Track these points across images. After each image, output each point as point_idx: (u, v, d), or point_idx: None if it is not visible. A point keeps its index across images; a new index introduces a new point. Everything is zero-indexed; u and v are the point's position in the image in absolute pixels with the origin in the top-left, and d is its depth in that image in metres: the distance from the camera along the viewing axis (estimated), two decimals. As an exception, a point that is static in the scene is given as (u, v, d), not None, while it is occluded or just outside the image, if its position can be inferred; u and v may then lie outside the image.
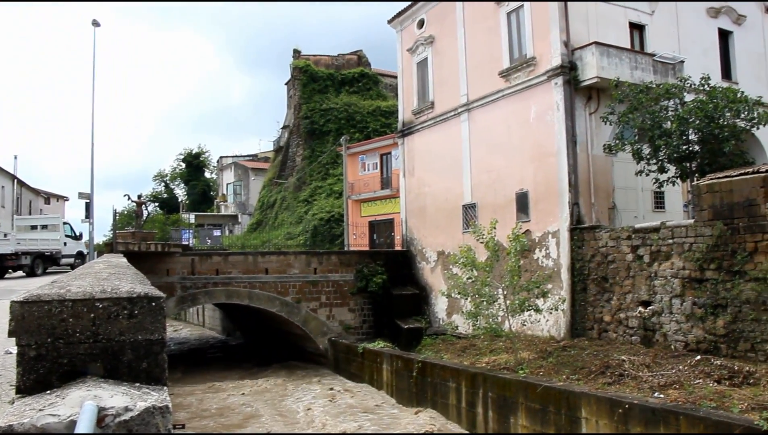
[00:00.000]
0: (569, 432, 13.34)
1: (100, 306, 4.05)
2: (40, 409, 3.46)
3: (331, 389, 21.65)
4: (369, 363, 22.07)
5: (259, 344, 32.14)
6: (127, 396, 3.57)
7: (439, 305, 25.20)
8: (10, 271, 33.82)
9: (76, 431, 2.71)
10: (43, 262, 34.61)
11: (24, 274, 33.76)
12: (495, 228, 17.53)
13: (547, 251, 20.19)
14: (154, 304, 4.10)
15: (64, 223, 38.99)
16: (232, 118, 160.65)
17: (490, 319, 17.45)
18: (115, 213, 37.10)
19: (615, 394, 12.81)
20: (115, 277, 6.06)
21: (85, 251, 37.49)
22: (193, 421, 18.74)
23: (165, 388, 3.94)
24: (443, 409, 17.39)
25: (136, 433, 3.40)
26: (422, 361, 18.93)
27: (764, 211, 13.91)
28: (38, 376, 4.03)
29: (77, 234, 39.65)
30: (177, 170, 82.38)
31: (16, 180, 56.95)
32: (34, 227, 39.25)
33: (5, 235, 34.05)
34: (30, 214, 62.78)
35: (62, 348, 4.03)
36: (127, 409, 3.41)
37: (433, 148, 26.62)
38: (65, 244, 37.42)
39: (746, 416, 10.43)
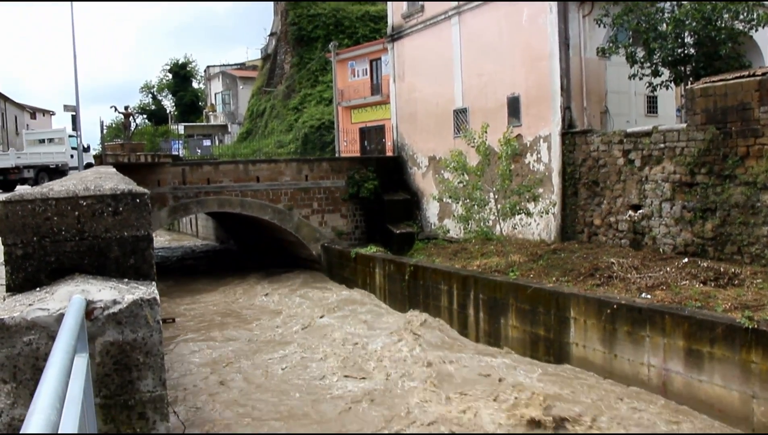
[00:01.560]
0: (558, 332, 13.67)
1: (84, 204, 4.01)
2: (30, 304, 3.47)
3: (323, 292, 22.12)
4: (362, 268, 22.35)
5: (253, 252, 32.44)
6: (115, 290, 3.58)
7: (431, 210, 25.31)
8: (18, 184, 33.70)
9: (64, 323, 2.70)
10: (48, 175, 34.39)
11: (29, 187, 33.66)
12: (486, 132, 17.40)
13: (539, 156, 20.12)
14: (138, 200, 4.06)
15: (71, 136, 38.55)
16: (218, 27, 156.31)
17: (482, 223, 17.57)
18: (102, 125, 36.62)
19: (603, 295, 13.05)
20: (100, 180, 6.00)
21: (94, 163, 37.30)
22: (185, 323, 19.13)
23: (153, 282, 3.95)
24: (435, 311, 17.73)
25: (126, 325, 3.43)
26: (414, 264, 19.18)
27: (758, 116, 13.79)
28: (27, 274, 4.03)
29: (86, 146, 39.29)
30: (164, 81, 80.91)
31: (0, 95, 55.91)
32: (42, 141, 38.85)
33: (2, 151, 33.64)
34: (16, 129, 61.95)
35: (49, 246, 4.02)
36: (115, 302, 3.42)
37: (423, 52, 26.07)
38: (72, 156, 37.08)
39: (729, 315, 10.66)
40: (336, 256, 24.68)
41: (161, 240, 42.55)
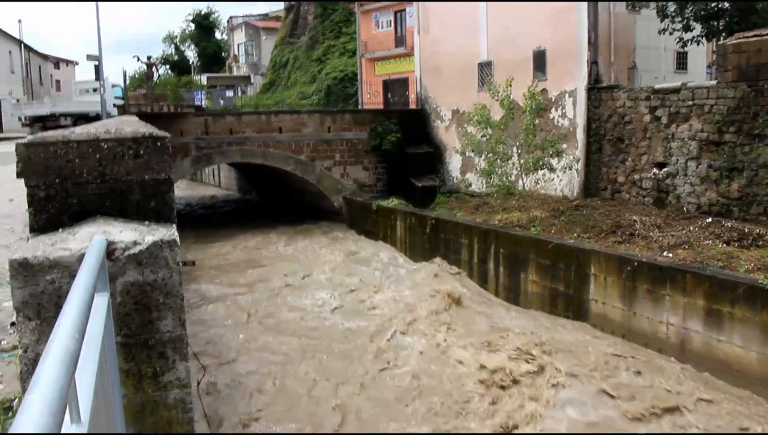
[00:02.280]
0: (578, 288, 13.66)
1: (105, 146, 4.02)
2: (53, 244, 3.51)
3: (344, 243, 22.32)
4: (383, 220, 22.40)
5: (275, 203, 32.59)
6: (136, 232, 3.60)
7: (453, 164, 25.17)
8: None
9: (84, 261, 2.73)
10: (87, 123, 34.61)
11: None
12: (510, 86, 17.16)
13: (563, 111, 19.84)
14: (159, 143, 4.06)
15: (113, 86, 38.62)
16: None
17: (504, 178, 17.47)
18: (125, 75, 36.54)
19: (624, 252, 12.97)
20: (122, 125, 6.01)
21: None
22: (209, 269, 19.40)
23: (173, 225, 3.97)
24: (455, 264, 17.76)
25: (146, 266, 3.46)
26: (436, 217, 19.16)
27: (792, 72, 13.45)
28: (49, 216, 4.07)
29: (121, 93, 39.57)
30: (186, 32, 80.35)
31: (23, 45, 55.84)
32: (88, 91, 39.16)
33: (17, 101, 33.79)
34: (40, 79, 62.08)
35: (71, 189, 4.05)
36: (135, 243, 3.45)
37: (448, 4, 25.63)
38: (114, 105, 37.27)
39: (751, 276, 10.56)
40: (357, 208, 24.74)
41: (184, 190, 42.84)
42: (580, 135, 19.10)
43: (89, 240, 3.34)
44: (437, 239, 18.77)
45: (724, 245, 12.54)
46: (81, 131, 4.18)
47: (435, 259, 18.53)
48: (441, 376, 11.28)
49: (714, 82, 15.48)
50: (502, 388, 10.68)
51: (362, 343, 13.04)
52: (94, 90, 37.93)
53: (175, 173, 22.49)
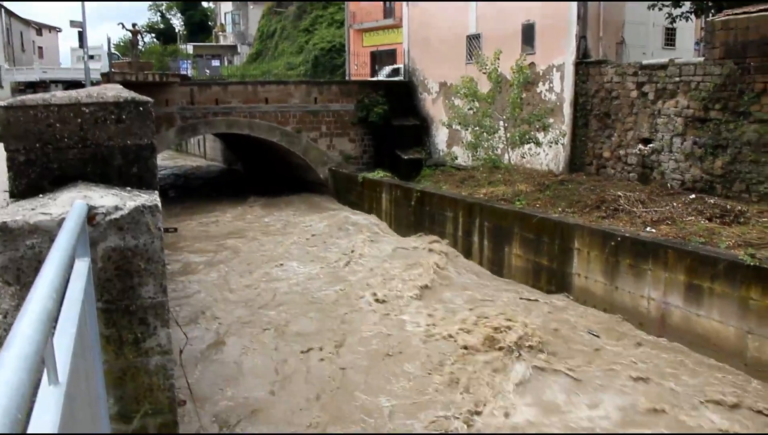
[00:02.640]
0: (561, 262, 13.76)
1: (87, 111, 3.98)
2: (33, 209, 3.49)
3: (330, 214, 22.33)
4: (368, 192, 22.38)
5: (261, 174, 32.45)
6: (117, 197, 3.58)
7: (440, 137, 25.13)
8: None
9: (64, 225, 2.71)
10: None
11: None
12: (498, 59, 17.08)
13: (551, 85, 19.82)
14: (141, 108, 4.02)
15: (110, 54, 38.20)
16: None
17: (490, 151, 17.46)
18: (109, 42, 36.03)
19: (608, 227, 13.06)
20: (105, 90, 5.95)
21: None
22: (193, 241, 19.35)
23: (155, 191, 3.95)
24: (440, 237, 17.82)
25: (127, 231, 3.45)
26: (421, 190, 19.18)
27: (779, 50, 13.47)
28: (29, 180, 4.03)
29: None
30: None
31: (3, 9, 54.80)
32: (84, 57, 38.67)
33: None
34: (22, 46, 61.06)
35: (51, 153, 4.01)
36: (117, 208, 3.43)
37: (439, -25, 25.40)
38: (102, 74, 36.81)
39: (732, 252, 10.67)
40: (343, 180, 24.69)
41: (168, 161, 42.48)
42: (567, 109, 19.10)
43: (70, 205, 3.32)
44: (422, 212, 18.80)
45: (707, 221, 12.65)
46: (62, 95, 4.13)
47: (420, 233, 18.58)
48: (412, 340, 11.44)
49: (701, 59, 15.48)
50: (475, 352, 10.81)
51: (339, 310, 13.09)
52: (91, 57, 37.38)
53: (160, 143, 22.29)
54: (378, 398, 9.50)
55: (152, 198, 3.62)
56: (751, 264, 9.96)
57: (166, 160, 41.31)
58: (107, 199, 3.50)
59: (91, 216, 3.33)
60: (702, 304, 10.76)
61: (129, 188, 3.92)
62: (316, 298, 13.88)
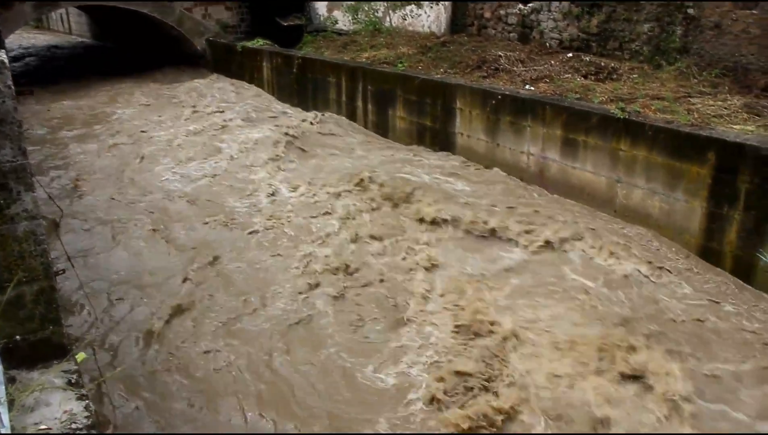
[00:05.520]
0: (444, 122, 13.92)
1: None
2: None
3: (208, 86, 21.50)
4: (249, 62, 21.57)
5: (134, 49, 30.49)
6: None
7: (320, 2, 24.22)
8: None
9: None
10: None
11: None
12: None
13: (432, -57, 19.25)
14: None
15: None
16: None
17: (371, 14, 17.05)
18: None
19: (489, 86, 13.21)
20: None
21: None
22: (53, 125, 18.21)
23: (2, 49, 3.55)
24: (324, 104, 17.57)
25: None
26: (302, 57, 18.62)
27: None
28: None
29: None
30: None
31: None
32: None
33: None
34: None
35: None
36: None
37: None
38: None
39: (605, 106, 11.09)
40: (222, 51, 23.62)
41: (27, 40, 38.55)
42: (447, -31, 18.72)
43: None
44: (305, 79, 18.35)
45: (582, 79, 13.00)
46: None
47: (303, 101, 18.25)
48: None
49: None
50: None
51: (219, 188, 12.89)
52: None
53: (14, 18, 20.20)
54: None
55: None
56: (621, 117, 10.40)
57: (24, 39, 37.71)
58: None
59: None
60: (577, 157, 11.25)
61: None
62: (198, 178, 13.51)
